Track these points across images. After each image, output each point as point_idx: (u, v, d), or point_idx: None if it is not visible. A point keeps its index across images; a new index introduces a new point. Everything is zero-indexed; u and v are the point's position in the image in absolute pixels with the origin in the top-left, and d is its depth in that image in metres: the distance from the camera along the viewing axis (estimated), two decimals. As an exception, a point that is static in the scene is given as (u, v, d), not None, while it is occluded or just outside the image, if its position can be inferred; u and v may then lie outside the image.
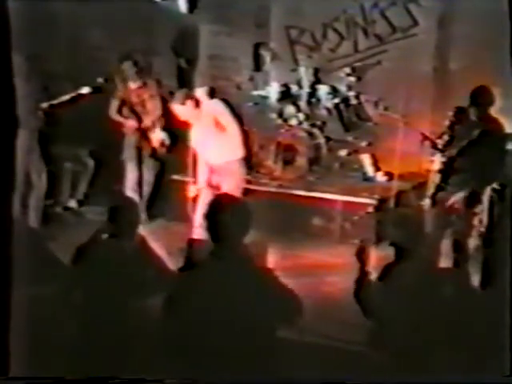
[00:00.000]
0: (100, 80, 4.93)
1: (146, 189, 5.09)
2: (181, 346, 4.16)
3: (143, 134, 5.11)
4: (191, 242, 4.81)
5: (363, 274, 4.73)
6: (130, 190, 5.02)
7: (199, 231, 4.78)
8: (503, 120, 4.72)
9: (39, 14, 4.66)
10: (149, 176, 5.09)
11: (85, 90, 4.92)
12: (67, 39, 4.79)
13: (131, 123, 5.08)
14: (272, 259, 4.70)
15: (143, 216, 4.92)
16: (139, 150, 5.10)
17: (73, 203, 5.01)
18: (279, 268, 4.58)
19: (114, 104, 5.04)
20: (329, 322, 4.60)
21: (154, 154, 5.09)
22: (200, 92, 4.97)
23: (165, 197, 5.07)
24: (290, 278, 4.43)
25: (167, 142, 5.06)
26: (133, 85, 5.04)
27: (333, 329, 4.58)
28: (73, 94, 4.91)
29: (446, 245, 4.71)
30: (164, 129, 5.05)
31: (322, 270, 4.70)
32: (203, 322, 4.10)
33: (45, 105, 4.89)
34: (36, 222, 4.87)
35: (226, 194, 4.77)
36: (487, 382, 4.35)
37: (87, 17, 4.75)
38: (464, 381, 4.28)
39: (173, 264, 4.58)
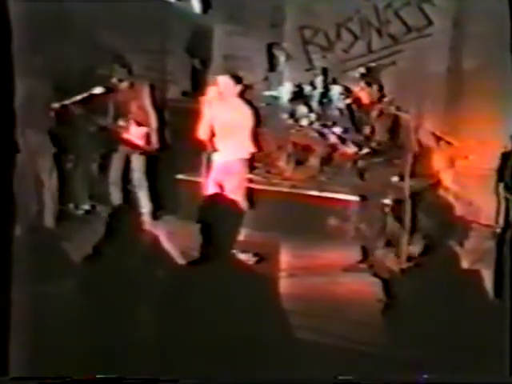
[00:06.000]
0: (114, 80, 4.93)
1: (142, 186, 5.08)
2: (190, 345, 4.18)
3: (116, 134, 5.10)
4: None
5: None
6: (113, 186, 5.03)
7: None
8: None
9: (54, 13, 4.67)
10: (139, 173, 5.07)
11: (98, 90, 4.91)
12: (81, 39, 4.79)
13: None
14: (285, 259, 4.70)
15: (146, 214, 4.94)
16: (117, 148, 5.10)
17: (87, 204, 5.01)
18: (292, 268, 4.59)
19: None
20: (342, 322, 4.60)
21: (143, 151, 5.07)
22: (223, 80, 4.94)
23: (175, 195, 5.05)
24: (303, 278, 4.42)
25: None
26: (121, 86, 5.02)
27: (346, 329, 4.58)
28: (85, 95, 4.90)
29: (464, 246, 4.71)
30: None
31: (335, 270, 4.69)
32: (208, 322, 4.12)
33: (56, 105, 4.88)
34: (51, 222, 4.87)
35: (223, 195, 4.80)
36: (487, 382, 4.35)
37: (100, 17, 4.75)
38: (464, 381, 4.29)
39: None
